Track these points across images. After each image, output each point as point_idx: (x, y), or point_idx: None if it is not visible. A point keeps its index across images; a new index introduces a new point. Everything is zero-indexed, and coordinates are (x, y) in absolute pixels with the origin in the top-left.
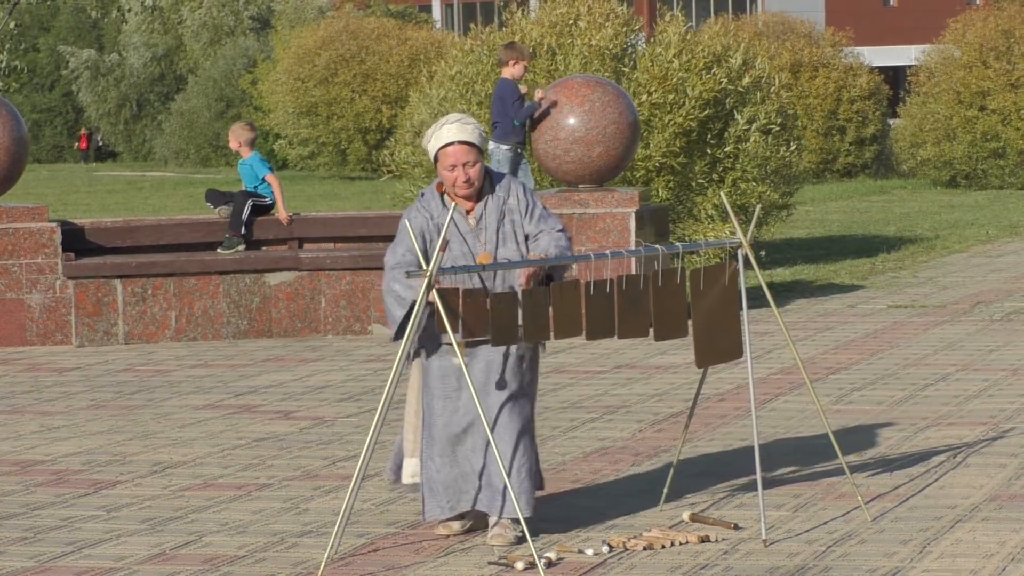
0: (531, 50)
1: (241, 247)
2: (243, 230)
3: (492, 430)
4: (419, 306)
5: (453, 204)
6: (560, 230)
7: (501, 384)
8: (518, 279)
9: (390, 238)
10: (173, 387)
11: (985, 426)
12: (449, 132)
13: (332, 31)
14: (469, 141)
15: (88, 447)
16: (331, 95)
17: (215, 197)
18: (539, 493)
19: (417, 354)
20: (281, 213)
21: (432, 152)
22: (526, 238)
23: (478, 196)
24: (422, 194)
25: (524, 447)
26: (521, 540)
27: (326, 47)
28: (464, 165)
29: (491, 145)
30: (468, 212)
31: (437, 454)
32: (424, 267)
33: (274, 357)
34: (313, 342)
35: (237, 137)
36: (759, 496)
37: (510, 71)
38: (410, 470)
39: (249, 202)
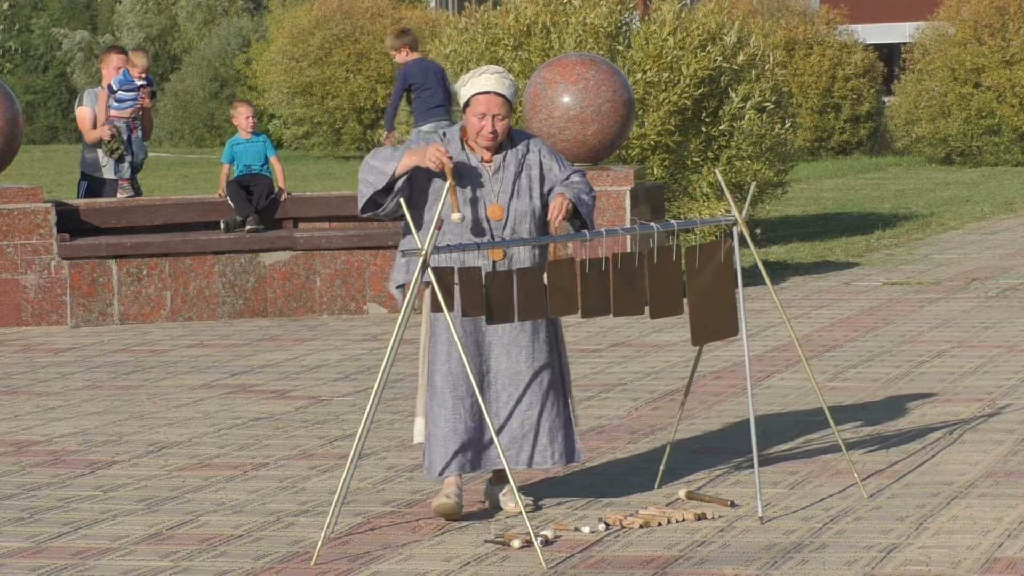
0: (525, 28)
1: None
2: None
3: (511, 382)
4: (414, 286)
5: (447, 185)
6: (582, 176)
7: (506, 334)
8: (551, 215)
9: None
10: (169, 367)
11: (981, 403)
12: (488, 81)
13: (326, 11)
14: (504, 95)
15: (84, 427)
16: (325, 75)
17: (243, 200)
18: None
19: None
20: (282, 184)
21: (466, 96)
22: (548, 191)
23: (498, 149)
24: (443, 133)
25: (544, 401)
26: (537, 508)
27: (320, 27)
28: (494, 117)
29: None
30: (486, 161)
31: (438, 405)
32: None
33: (269, 337)
34: (308, 322)
35: (253, 114)
36: (755, 473)
37: (403, 56)
38: (418, 428)
39: (271, 185)
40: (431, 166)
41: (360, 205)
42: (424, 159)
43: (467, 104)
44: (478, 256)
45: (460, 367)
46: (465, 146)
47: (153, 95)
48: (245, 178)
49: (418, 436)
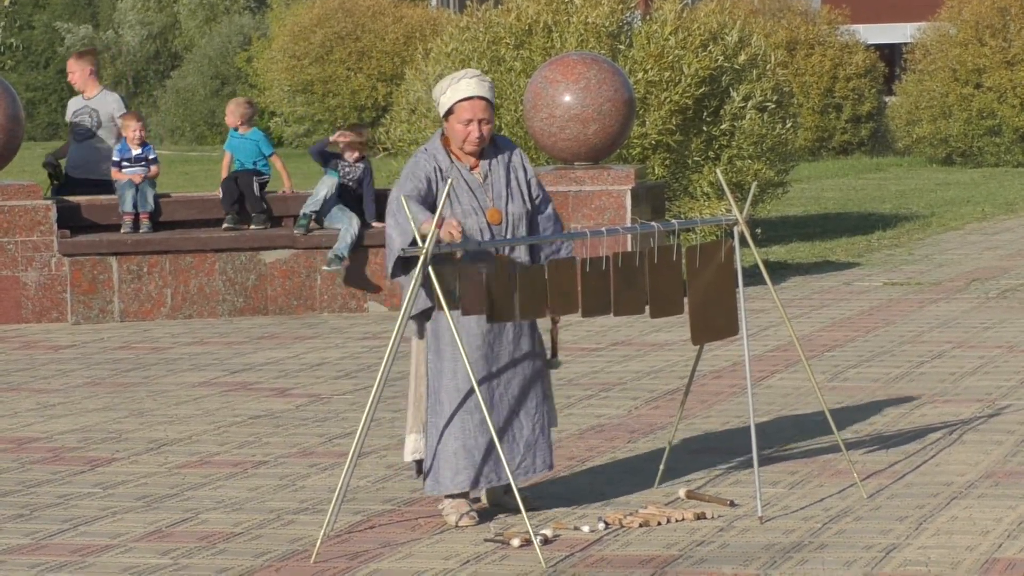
0: (527, 26)
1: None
2: (264, 204)
3: (508, 391)
4: (415, 283)
5: (449, 181)
6: (554, 218)
7: (510, 344)
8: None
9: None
10: (169, 365)
11: (981, 403)
12: (469, 86)
13: (327, 9)
14: (487, 98)
15: (84, 424)
16: (327, 73)
17: (229, 197)
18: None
19: (424, 322)
20: (287, 184)
21: (447, 104)
22: (534, 197)
23: (480, 154)
24: (425, 148)
25: (544, 406)
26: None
27: (321, 25)
28: (480, 121)
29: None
30: (473, 168)
31: (444, 422)
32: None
33: (270, 335)
34: (309, 320)
35: (244, 113)
36: (755, 473)
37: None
38: (411, 447)
39: (256, 181)
40: (445, 239)
41: (389, 271)
42: (442, 232)
43: (450, 111)
44: (476, 230)
45: (467, 383)
46: (451, 156)
47: (154, 162)
48: (237, 174)
49: (410, 455)
